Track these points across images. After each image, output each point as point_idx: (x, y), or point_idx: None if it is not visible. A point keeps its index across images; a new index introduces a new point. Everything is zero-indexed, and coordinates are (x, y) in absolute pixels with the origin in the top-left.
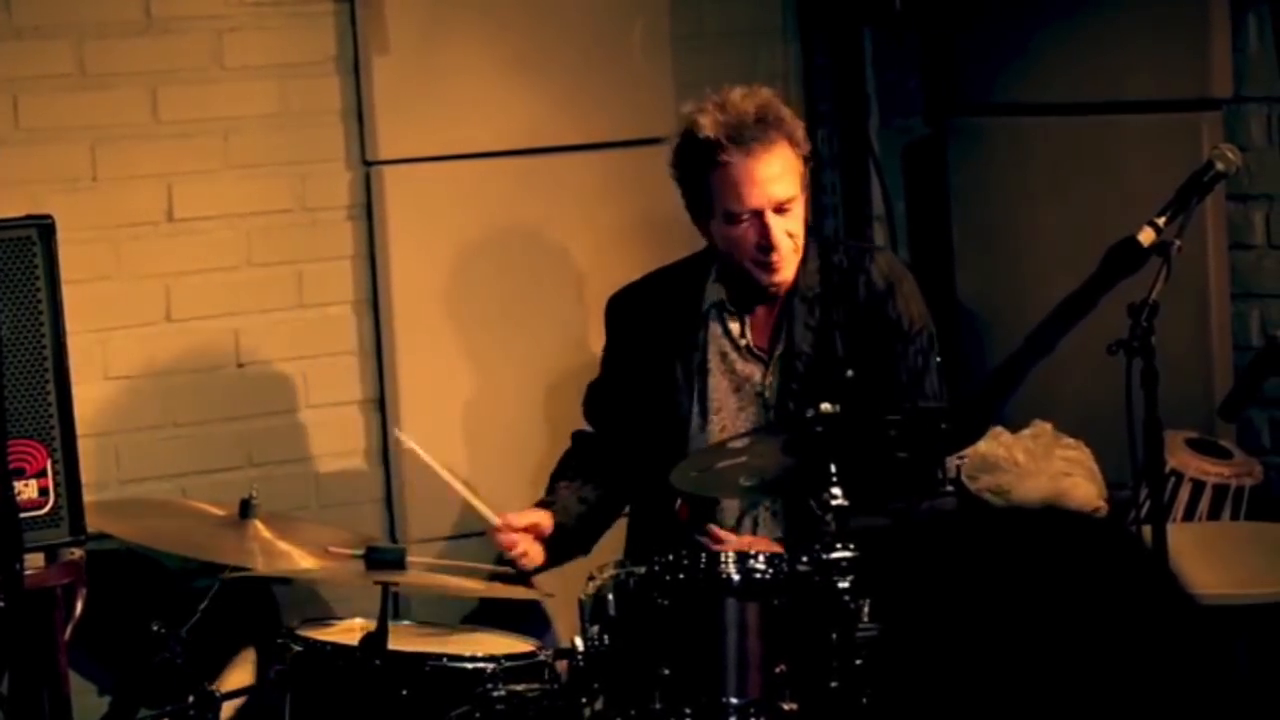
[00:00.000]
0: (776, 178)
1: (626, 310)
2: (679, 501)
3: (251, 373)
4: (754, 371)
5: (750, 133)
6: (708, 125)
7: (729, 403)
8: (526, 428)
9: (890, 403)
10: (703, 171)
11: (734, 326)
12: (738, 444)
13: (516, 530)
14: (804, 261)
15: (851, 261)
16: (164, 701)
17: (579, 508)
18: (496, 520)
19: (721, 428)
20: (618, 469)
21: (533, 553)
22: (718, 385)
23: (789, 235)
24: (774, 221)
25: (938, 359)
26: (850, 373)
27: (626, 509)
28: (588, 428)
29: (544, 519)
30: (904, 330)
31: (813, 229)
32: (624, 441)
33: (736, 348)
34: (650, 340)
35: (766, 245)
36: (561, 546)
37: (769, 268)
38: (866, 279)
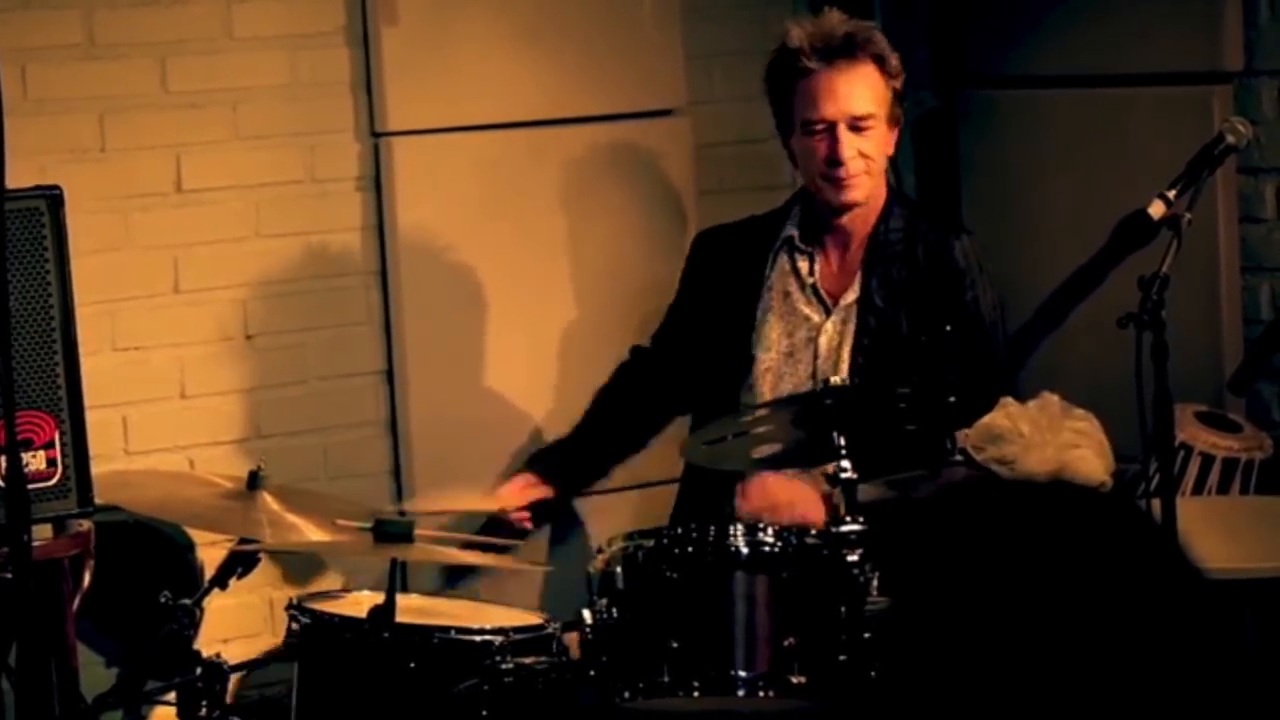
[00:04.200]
0: (855, 94)
1: (709, 247)
2: None
3: (260, 344)
4: (814, 314)
5: (837, 46)
6: (797, 36)
7: (780, 344)
8: (536, 399)
9: (959, 385)
10: (788, 82)
11: (803, 265)
12: (750, 416)
13: (520, 514)
14: (886, 217)
15: (938, 234)
16: (172, 673)
17: (595, 453)
18: (495, 508)
19: (766, 368)
20: (665, 396)
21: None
22: (773, 325)
23: (861, 155)
24: (845, 136)
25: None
26: (924, 338)
27: (658, 435)
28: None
29: (544, 494)
30: (981, 317)
31: (898, 191)
32: (683, 377)
33: (802, 287)
34: (723, 280)
35: (835, 159)
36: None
37: (836, 183)
38: (949, 255)
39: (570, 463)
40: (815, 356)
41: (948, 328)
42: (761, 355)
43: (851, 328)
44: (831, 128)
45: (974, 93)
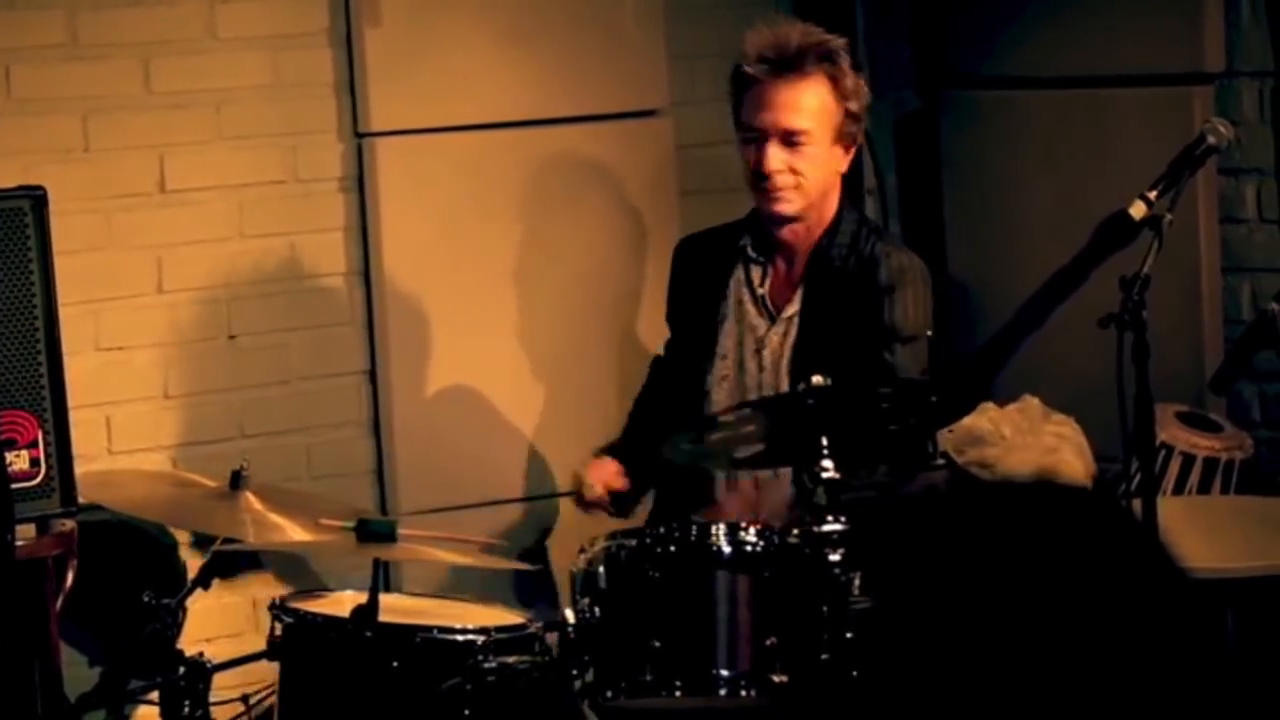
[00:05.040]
0: (793, 107)
1: (686, 254)
2: None
3: (243, 344)
4: (761, 325)
5: (786, 59)
6: (750, 43)
7: (734, 352)
8: (520, 399)
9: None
10: (740, 89)
11: (755, 274)
12: (729, 416)
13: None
14: (835, 230)
15: (872, 250)
16: (155, 672)
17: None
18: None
19: (724, 375)
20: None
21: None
22: (729, 331)
23: (792, 170)
24: (773, 150)
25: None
26: (855, 354)
27: None
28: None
29: (617, 481)
30: (895, 333)
31: (851, 205)
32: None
33: (753, 296)
34: (696, 287)
35: (760, 171)
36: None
37: (763, 194)
38: (874, 273)
39: (632, 460)
40: (760, 368)
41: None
42: (718, 363)
43: (792, 341)
44: (763, 137)
45: (956, 93)
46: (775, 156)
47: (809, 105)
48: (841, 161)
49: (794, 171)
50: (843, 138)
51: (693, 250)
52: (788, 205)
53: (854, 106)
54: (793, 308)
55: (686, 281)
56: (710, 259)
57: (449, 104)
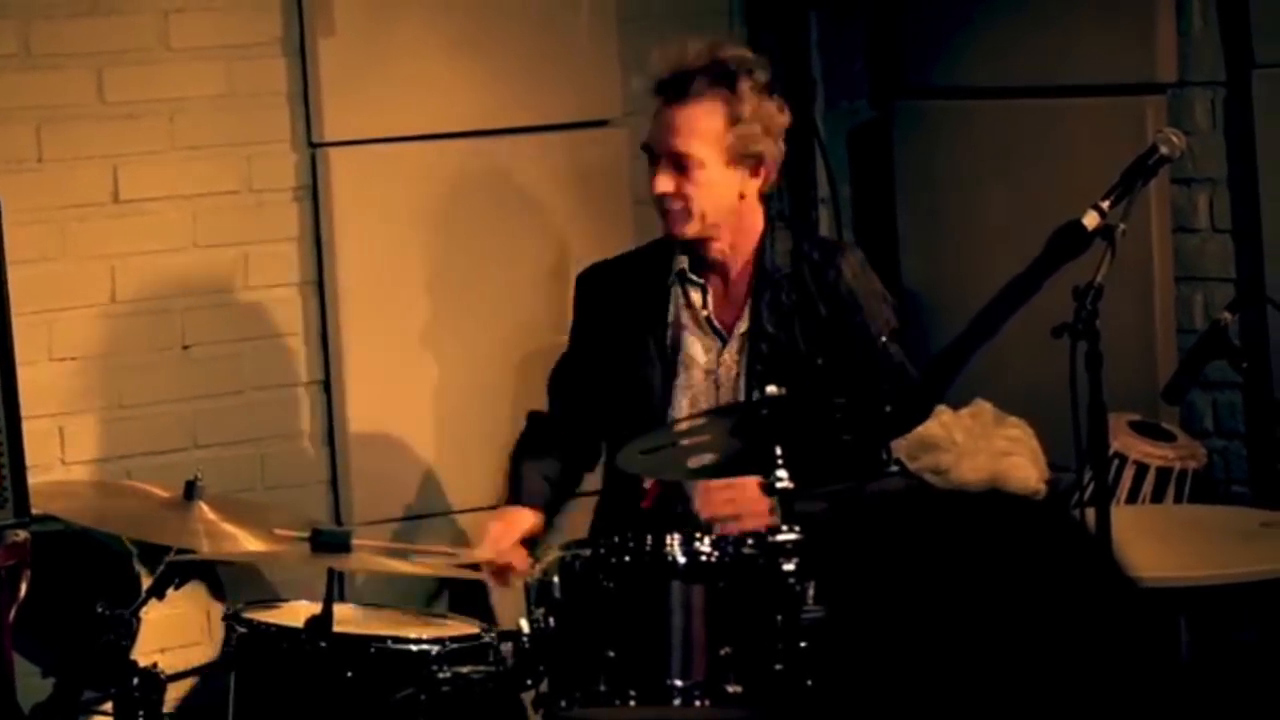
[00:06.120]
0: (685, 131)
1: (596, 285)
2: (648, 480)
3: (197, 354)
4: (711, 346)
5: (676, 80)
6: (653, 62)
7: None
8: (473, 410)
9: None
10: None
11: (695, 297)
12: (685, 426)
13: (508, 554)
14: (770, 242)
15: (823, 255)
16: (109, 683)
17: (548, 491)
18: (484, 556)
19: (691, 401)
20: (578, 446)
21: (521, 562)
22: (690, 346)
23: (680, 194)
24: (661, 171)
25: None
26: (820, 360)
27: (584, 485)
28: (544, 408)
29: (534, 523)
30: (872, 335)
31: (782, 214)
32: (593, 418)
33: (696, 320)
34: (620, 315)
35: (652, 190)
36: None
37: (662, 215)
38: (836, 278)
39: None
40: (716, 387)
41: (882, 341)
42: (682, 390)
43: (745, 357)
44: (654, 159)
45: (909, 103)
46: (664, 180)
47: (698, 129)
48: (747, 184)
49: (682, 195)
50: (741, 160)
51: (604, 279)
52: (681, 227)
53: (752, 130)
54: (743, 325)
55: (606, 311)
56: (633, 286)
57: (403, 114)
